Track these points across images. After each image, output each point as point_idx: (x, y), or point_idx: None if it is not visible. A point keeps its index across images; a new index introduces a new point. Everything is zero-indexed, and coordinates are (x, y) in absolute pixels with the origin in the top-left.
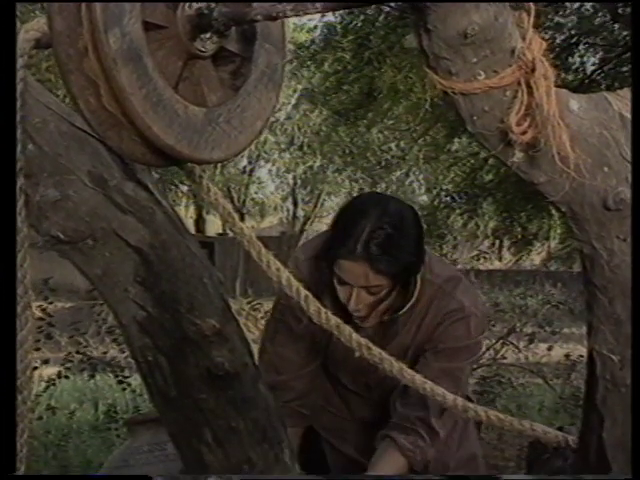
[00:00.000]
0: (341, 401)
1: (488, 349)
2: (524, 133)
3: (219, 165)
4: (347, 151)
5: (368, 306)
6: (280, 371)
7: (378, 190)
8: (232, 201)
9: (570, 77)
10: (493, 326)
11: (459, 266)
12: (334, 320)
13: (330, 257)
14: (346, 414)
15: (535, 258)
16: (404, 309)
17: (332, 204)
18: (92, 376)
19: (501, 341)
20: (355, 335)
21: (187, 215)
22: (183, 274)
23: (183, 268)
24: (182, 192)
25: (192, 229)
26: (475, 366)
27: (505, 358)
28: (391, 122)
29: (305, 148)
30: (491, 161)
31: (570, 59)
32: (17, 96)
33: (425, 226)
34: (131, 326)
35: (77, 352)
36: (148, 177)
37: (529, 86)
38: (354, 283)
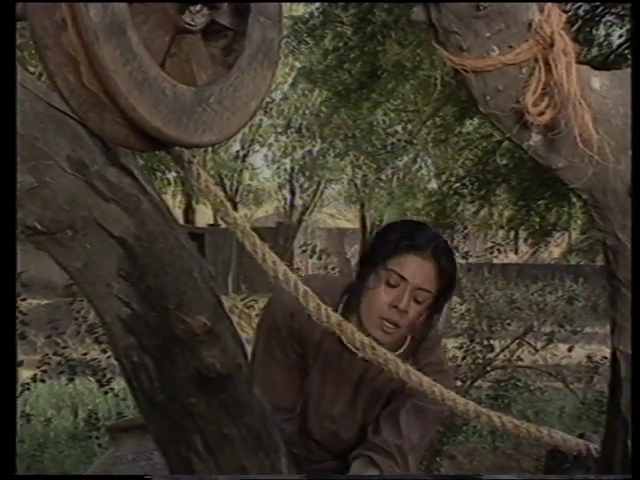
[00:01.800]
0: (303, 448)
1: (503, 350)
2: (542, 114)
3: (210, 149)
4: (349, 134)
5: (408, 317)
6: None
7: (383, 176)
8: (224, 189)
9: (593, 52)
10: (508, 325)
11: (470, 260)
12: (335, 318)
13: (391, 252)
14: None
15: (554, 250)
16: (403, 347)
17: (332, 192)
18: (71, 380)
19: (517, 341)
20: (358, 334)
21: (175, 204)
22: (171, 268)
23: (171, 261)
24: (169, 179)
25: (180, 219)
26: (489, 368)
27: (521, 360)
28: (397, 103)
29: (303, 131)
30: (506, 144)
31: (594, 32)
32: None
33: (433, 215)
34: (114, 324)
35: (54, 354)
36: (132, 162)
37: (547, 63)
38: (412, 281)
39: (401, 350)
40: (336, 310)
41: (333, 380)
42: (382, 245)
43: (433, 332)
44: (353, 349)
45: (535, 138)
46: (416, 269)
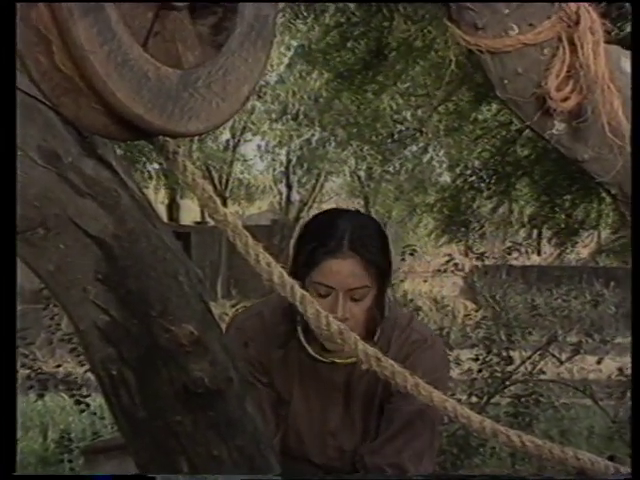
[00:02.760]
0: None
1: (523, 362)
2: (566, 99)
3: (196, 139)
4: (352, 121)
5: (354, 320)
6: None
7: (390, 169)
8: (212, 182)
9: (627, 29)
10: (529, 334)
11: (487, 262)
12: (336, 326)
13: (309, 265)
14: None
15: (582, 251)
16: (374, 340)
17: (333, 186)
18: (41, 396)
19: (539, 352)
20: (362, 344)
21: (157, 200)
22: (154, 270)
23: (154, 263)
24: (151, 172)
25: (164, 216)
26: (508, 382)
27: (544, 373)
28: (405, 86)
29: (301, 118)
30: (527, 133)
31: (626, 7)
32: None
33: (446, 212)
34: (91, 333)
35: (22, 366)
36: (111, 153)
37: (572, 42)
38: (340, 286)
39: (376, 338)
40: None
41: (318, 394)
42: (299, 258)
43: (401, 312)
44: (360, 361)
45: (558, 126)
46: (339, 273)
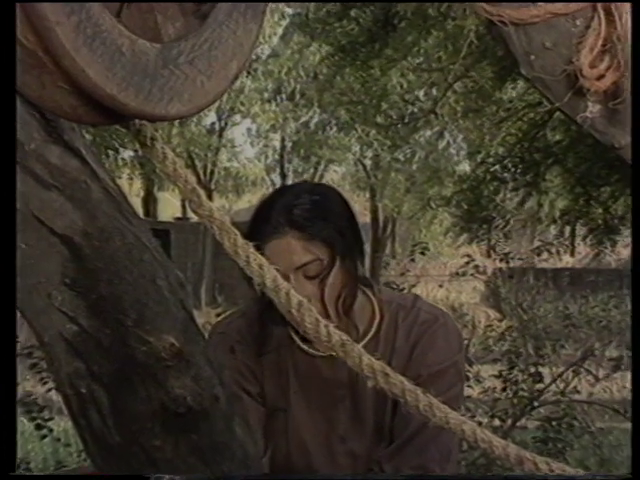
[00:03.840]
0: None
1: (554, 380)
2: (601, 78)
3: (177, 122)
4: (356, 101)
5: (318, 300)
6: None
7: (400, 156)
8: (196, 172)
9: None
10: (561, 347)
11: (512, 264)
12: (337, 336)
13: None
14: None
15: (622, 251)
16: (371, 331)
17: (335, 176)
18: None
19: (573, 368)
20: (367, 358)
21: (131, 192)
22: (129, 273)
23: (129, 265)
24: (125, 159)
25: (139, 211)
26: (536, 403)
27: (579, 392)
28: (417, 61)
29: (297, 97)
30: (559, 114)
31: None
32: None
33: (465, 206)
34: (56, 346)
35: None
36: (79, 140)
37: (608, 12)
38: (286, 266)
39: (375, 323)
40: None
41: (320, 396)
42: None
43: (402, 295)
44: (365, 377)
45: (592, 108)
46: (280, 253)
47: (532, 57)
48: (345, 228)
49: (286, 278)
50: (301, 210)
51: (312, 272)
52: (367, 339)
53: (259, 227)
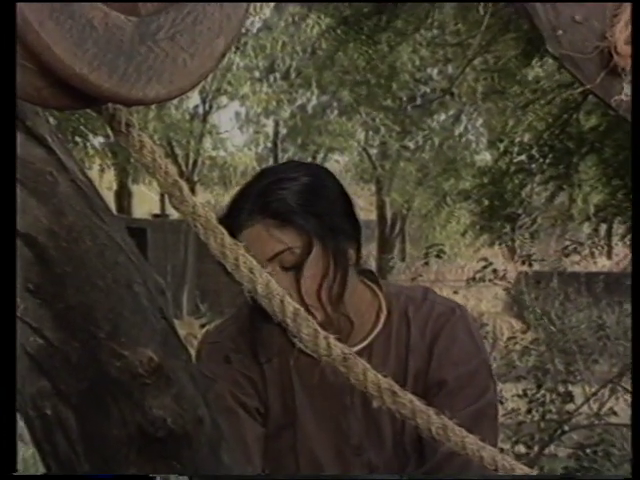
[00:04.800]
0: None
1: (588, 400)
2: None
3: (155, 106)
4: (360, 81)
5: (295, 293)
6: None
7: (411, 144)
8: (176, 162)
9: None
10: (595, 362)
11: (539, 267)
12: (339, 349)
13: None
14: None
15: None
16: (379, 326)
17: (336, 166)
18: None
19: (608, 387)
20: (372, 374)
21: (102, 185)
22: (101, 279)
23: (101, 269)
24: (96, 147)
25: (112, 207)
26: (567, 427)
27: (616, 414)
28: (431, 34)
29: (293, 77)
30: (593, 97)
31: None
32: None
33: (486, 201)
34: (18, 361)
35: None
36: (44, 126)
37: None
38: (259, 257)
39: (383, 318)
40: None
41: (329, 403)
42: None
43: (411, 287)
44: (370, 395)
45: (627, 90)
46: (252, 243)
47: (560, 32)
48: (325, 211)
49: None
50: (279, 195)
51: (288, 263)
52: (373, 336)
53: (233, 215)
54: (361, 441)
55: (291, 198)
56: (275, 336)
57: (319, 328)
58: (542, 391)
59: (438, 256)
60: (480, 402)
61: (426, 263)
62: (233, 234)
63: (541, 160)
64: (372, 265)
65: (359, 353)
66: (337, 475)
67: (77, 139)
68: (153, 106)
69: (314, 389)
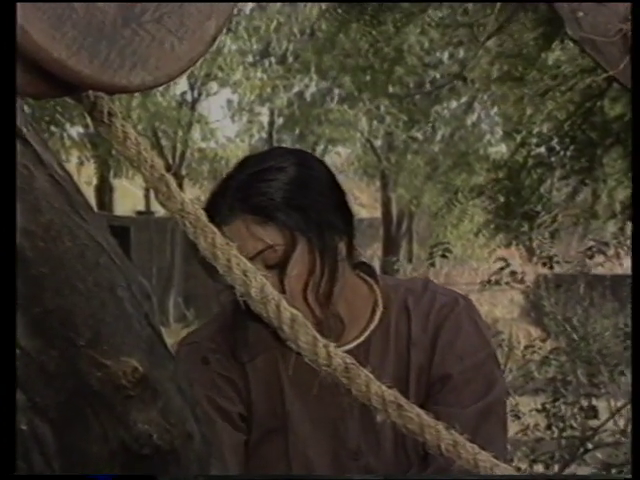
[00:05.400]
0: None
1: (613, 415)
2: None
3: (139, 93)
4: (364, 66)
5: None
6: None
7: (419, 134)
8: (162, 155)
9: None
10: (621, 374)
11: (556, 269)
12: (340, 359)
13: None
14: None
15: None
16: (374, 321)
17: (337, 159)
18: None
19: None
20: (376, 386)
21: (80, 179)
22: (82, 281)
23: (81, 271)
24: (73, 139)
25: (92, 203)
26: (591, 445)
27: None
28: (441, 14)
29: (290, 61)
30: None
31: None
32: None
33: (502, 198)
34: None
35: None
36: (19, 115)
37: None
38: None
39: (375, 321)
40: None
41: (322, 405)
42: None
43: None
44: (373, 408)
45: None
46: (233, 242)
47: (580, 14)
48: (312, 204)
49: None
50: (256, 189)
51: (271, 261)
52: (369, 332)
53: (214, 211)
54: (359, 445)
55: (274, 192)
56: (261, 334)
57: (318, 335)
58: (563, 405)
59: (444, 256)
60: (487, 398)
61: (432, 264)
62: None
63: (562, 152)
64: (377, 266)
65: (355, 350)
66: (337, 476)
67: (53, 129)
68: (137, 93)
69: (307, 391)
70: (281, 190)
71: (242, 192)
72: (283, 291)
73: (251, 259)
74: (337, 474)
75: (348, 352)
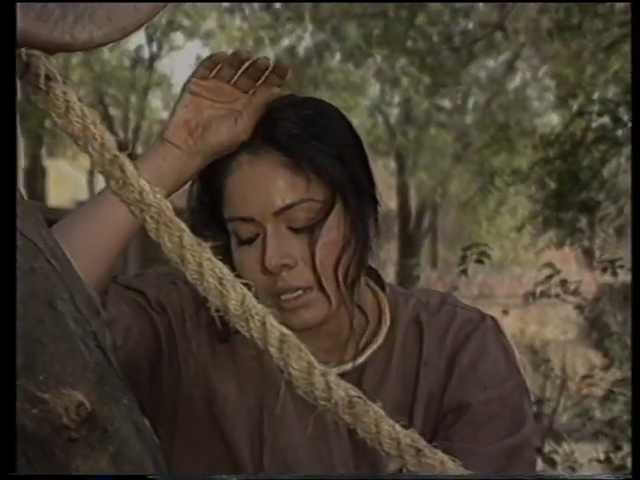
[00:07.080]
0: None
1: None
2: None
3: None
4: (374, 13)
5: (307, 265)
6: None
7: (445, 102)
8: (112, 129)
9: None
10: None
11: (622, 276)
12: (342, 391)
13: (213, 197)
14: None
15: None
16: (378, 340)
17: None
18: None
19: None
20: (388, 426)
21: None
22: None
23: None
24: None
25: (23, 191)
26: (606, 478)
27: None
28: None
29: (277, 6)
30: None
31: None
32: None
33: (553, 184)
34: None
35: None
36: None
37: None
38: (261, 209)
39: (379, 340)
40: None
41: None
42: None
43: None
44: (384, 452)
45: None
46: (252, 184)
47: None
48: (350, 157)
49: (260, 229)
50: (287, 123)
51: (300, 221)
52: (371, 352)
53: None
54: (343, 465)
55: (310, 131)
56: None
57: (315, 361)
58: (630, 454)
59: (480, 261)
60: (514, 438)
61: (463, 272)
62: (219, 175)
63: (631, 124)
64: (391, 272)
65: (350, 373)
66: (343, 475)
67: None
68: (81, 53)
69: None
70: (321, 133)
71: (270, 127)
72: (313, 259)
73: (275, 214)
74: None
75: (341, 375)
